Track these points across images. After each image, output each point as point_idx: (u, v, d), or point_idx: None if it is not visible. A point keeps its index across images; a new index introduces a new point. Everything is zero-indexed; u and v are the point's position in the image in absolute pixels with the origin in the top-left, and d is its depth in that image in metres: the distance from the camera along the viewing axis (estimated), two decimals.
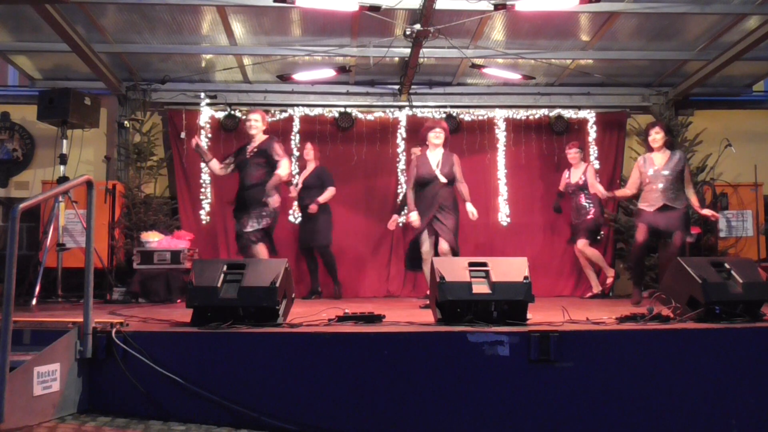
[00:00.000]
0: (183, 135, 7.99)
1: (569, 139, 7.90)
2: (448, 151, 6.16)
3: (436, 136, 6.12)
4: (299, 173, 7.65)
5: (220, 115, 8.04)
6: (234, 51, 7.36)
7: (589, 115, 8.26)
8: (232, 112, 8.03)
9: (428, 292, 5.57)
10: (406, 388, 3.68)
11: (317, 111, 8.11)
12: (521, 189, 8.21)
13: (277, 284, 3.95)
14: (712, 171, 7.77)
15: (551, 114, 8.26)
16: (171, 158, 8.11)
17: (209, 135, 7.94)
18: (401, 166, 8.02)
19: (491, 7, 5.97)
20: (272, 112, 8.01)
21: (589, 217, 7.20)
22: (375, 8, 5.81)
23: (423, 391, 3.67)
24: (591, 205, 7.22)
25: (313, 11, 6.30)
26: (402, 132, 8.09)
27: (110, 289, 6.87)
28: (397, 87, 8.06)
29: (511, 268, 4.12)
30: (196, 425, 3.59)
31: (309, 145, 7.60)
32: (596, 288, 7.36)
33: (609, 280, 7.38)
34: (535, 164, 8.31)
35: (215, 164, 6.21)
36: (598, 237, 7.40)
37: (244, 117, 7.67)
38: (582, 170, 7.35)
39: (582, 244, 7.23)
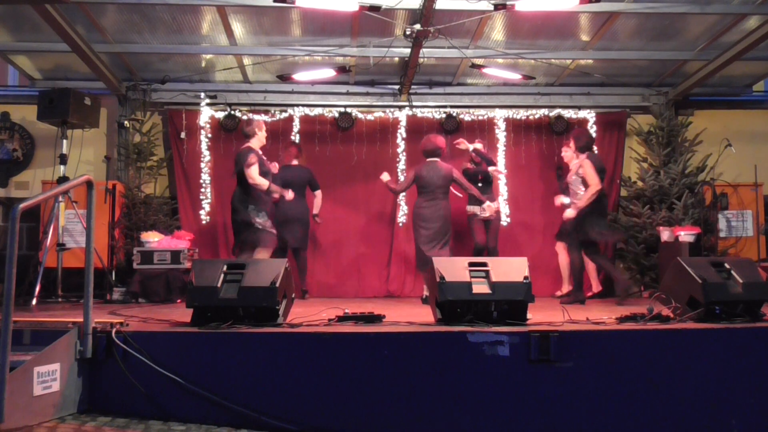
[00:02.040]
0: (183, 135, 8.00)
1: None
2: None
3: None
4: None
5: (220, 115, 8.03)
6: (234, 51, 7.36)
7: (589, 115, 8.26)
8: (232, 112, 8.02)
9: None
10: (406, 388, 3.67)
11: (317, 111, 8.10)
12: (521, 189, 8.21)
13: (277, 284, 3.95)
14: (712, 171, 7.76)
15: (551, 114, 8.26)
16: (171, 158, 8.11)
17: (209, 135, 7.94)
18: (401, 166, 8.02)
19: (491, 7, 5.97)
20: (272, 112, 8.02)
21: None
22: (375, 8, 5.81)
23: (423, 391, 3.67)
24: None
25: (313, 11, 6.30)
26: (402, 132, 8.08)
27: (110, 289, 6.86)
28: (397, 87, 8.06)
29: (511, 268, 4.13)
30: (196, 425, 3.59)
31: (290, 148, 7.50)
32: (596, 287, 7.33)
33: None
34: (535, 164, 8.31)
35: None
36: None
37: (248, 118, 7.72)
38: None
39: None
